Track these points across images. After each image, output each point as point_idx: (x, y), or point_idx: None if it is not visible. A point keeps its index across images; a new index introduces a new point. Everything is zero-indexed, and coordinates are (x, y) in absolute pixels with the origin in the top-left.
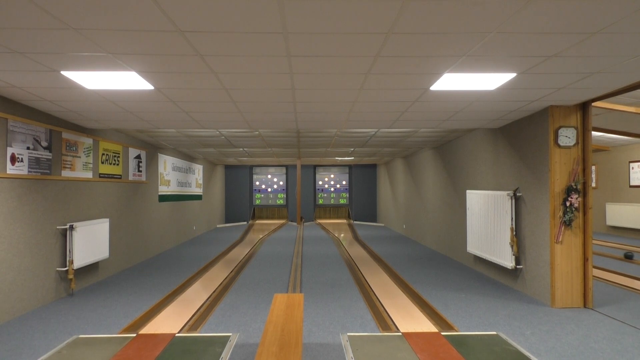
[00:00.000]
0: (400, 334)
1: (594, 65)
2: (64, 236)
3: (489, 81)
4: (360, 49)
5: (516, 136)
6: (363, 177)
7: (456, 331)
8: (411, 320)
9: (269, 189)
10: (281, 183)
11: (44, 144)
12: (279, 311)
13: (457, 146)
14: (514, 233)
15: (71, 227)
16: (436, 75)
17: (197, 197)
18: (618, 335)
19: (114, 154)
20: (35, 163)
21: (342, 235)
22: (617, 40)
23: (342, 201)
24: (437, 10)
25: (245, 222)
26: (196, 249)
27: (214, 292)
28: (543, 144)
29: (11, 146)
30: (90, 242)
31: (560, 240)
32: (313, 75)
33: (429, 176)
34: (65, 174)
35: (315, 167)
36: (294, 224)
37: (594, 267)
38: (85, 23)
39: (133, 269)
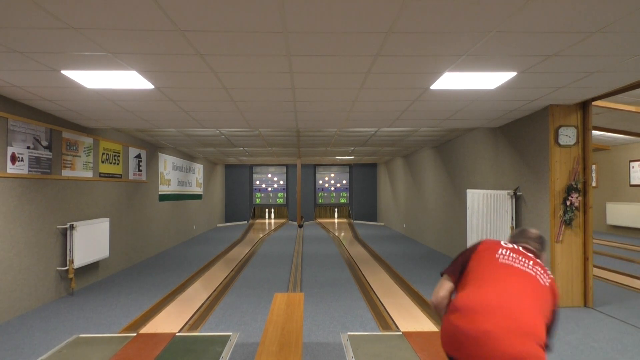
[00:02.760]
0: (401, 333)
1: (593, 65)
2: (64, 235)
3: (489, 80)
4: (361, 48)
5: (516, 135)
6: (363, 176)
7: None
8: (411, 319)
9: (269, 188)
10: (281, 182)
11: (44, 143)
12: (279, 310)
13: (457, 145)
14: None
15: (71, 227)
16: (436, 75)
17: (197, 197)
18: (618, 335)
19: (114, 154)
20: (35, 162)
21: (342, 234)
22: (616, 39)
23: (342, 200)
24: (437, 10)
25: (245, 222)
26: (196, 248)
27: (214, 291)
28: (543, 143)
29: (11, 145)
30: (91, 241)
31: (560, 239)
32: (313, 74)
33: (429, 175)
34: (66, 173)
35: (315, 166)
36: (294, 223)
37: (595, 266)
38: (86, 22)
39: (133, 268)
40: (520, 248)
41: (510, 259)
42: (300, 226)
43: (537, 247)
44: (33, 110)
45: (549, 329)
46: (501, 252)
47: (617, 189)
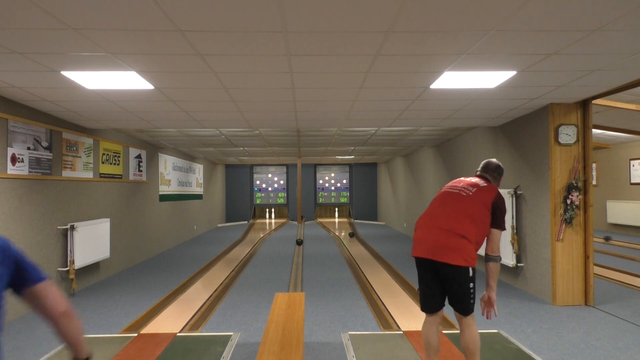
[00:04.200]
0: (402, 332)
1: (593, 63)
2: (65, 236)
3: (489, 79)
4: (360, 47)
5: (516, 134)
6: (363, 175)
7: (457, 329)
8: (412, 318)
9: (270, 188)
10: (282, 182)
11: (45, 144)
12: (280, 310)
13: (458, 144)
14: (515, 231)
15: (72, 227)
16: (436, 74)
17: (198, 197)
18: (619, 333)
19: (115, 154)
20: (35, 163)
21: (342, 234)
22: (616, 38)
23: (342, 200)
24: (437, 9)
25: (245, 222)
26: (197, 248)
27: (215, 291)
28: (543, 142)
29: (12, 146)
30: (91, 242)
31: (561, 238)
32: (313, 74)
33: (430, 174)
34: (66, 174)
35: (315, 165)
36: (295, 222)
37: (595, 264)
38: (85, 23)
39: (134, 268)
40: (469, 179)
41: (448, 188)
42: (299, 243)
43: (492, 175)
44: (33, 111)
45: (494, 216)
46: (446, 186)
47: (617, 188)
